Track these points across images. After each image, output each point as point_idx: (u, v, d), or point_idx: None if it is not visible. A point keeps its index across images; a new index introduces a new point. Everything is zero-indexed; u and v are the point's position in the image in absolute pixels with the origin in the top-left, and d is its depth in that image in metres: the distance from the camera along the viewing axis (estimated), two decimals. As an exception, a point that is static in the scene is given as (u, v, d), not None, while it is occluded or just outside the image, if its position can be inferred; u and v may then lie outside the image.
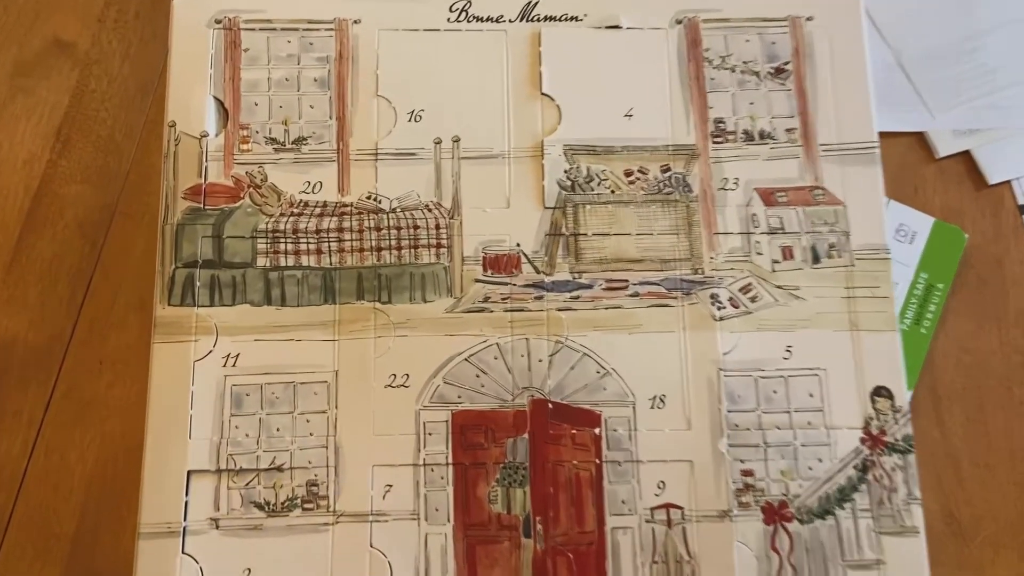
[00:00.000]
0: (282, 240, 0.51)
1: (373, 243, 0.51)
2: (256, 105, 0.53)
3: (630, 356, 0.49)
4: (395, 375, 0.49)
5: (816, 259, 0.52)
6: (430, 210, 0.52)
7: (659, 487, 0.49)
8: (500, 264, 0.51)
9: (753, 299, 0.53)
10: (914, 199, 0.58)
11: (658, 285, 0.52)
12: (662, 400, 0.50)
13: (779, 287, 0.52)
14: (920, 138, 0.60)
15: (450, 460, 0.49)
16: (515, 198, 0.51)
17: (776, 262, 0.52)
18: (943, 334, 0.56)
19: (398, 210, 0.52)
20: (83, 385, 0.55)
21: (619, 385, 0.49)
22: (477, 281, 0.50)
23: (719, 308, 0.51)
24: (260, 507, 0.48)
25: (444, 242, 0.51)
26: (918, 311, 0.56)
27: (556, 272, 0.51)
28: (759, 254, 0.52)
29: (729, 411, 0.49)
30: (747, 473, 0.50)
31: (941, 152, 0.60)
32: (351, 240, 0.51)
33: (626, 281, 0.52)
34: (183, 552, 0.46)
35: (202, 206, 0.51)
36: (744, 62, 0.56)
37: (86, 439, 0.54)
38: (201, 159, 0.52)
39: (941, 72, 0.62)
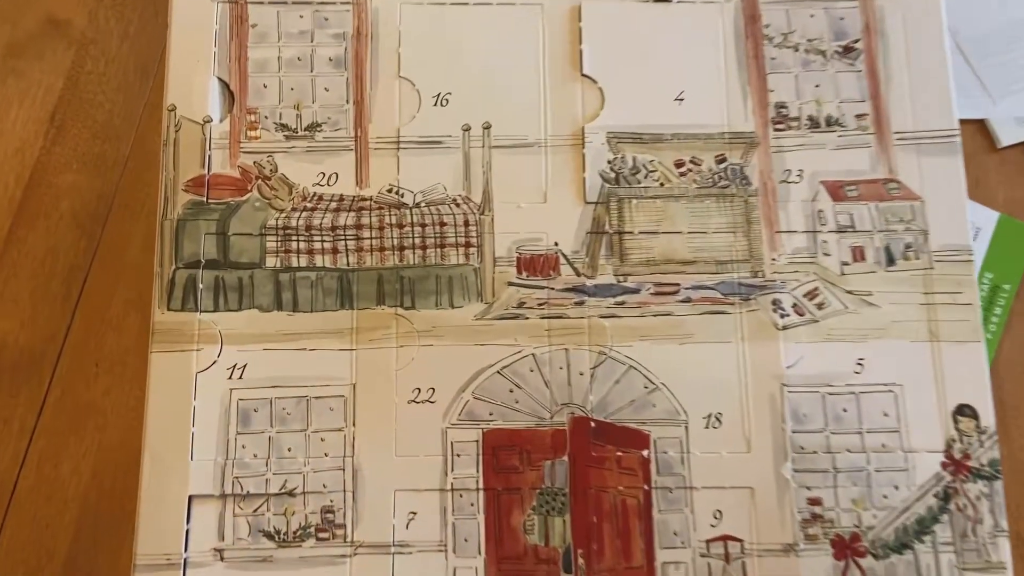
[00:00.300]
0: (294, 238, 0.47)
1: (395, 242, 0.47)
2: (265, 87, 0.49)
3: (682, 369, 0.46)
4: (419, 389, 0.45)
5: (891, 261, 0.48)
6: (458, 205, 0.48)
7: (715, 517, 0.45)
8: (536, 266, 0.47)
9: (820, 306, 0.48)
10: (975, 192, 0.54)
11: (713, 290, 0.48)
12: (718, 419, 0.45)
13: (849, 292, 0.47)
14: (980, 126, 0.57)
15: (481, 485, 0.45)
16: (553, 192, 0.48)
17: (846, 264, 0.48)
18: (1009, 339, 0.52)
19: (422, 205, 0.48)
20: (78, 390, 0.52)
21: (669, 402, 0.46)
22: (510, 284, 0.47)
23: (782, 316, 0.47)
24: (270, 536, 0.44)
25: (473, 241, 0.47)
26: (983, 315, 0.51)
27: (599, 275, 0.47)
28: (826, 255, 0.48)
29: (794, 432, 0.45)
30: (814, 502, 0.45)
31: (1003, 141, 0.56)
32: (370, 238, 0.47)
33: (677, 285, 0.47)
34: (184, 586, 0.44)
35: (205, 200, 0.48)
36: (808, 40, 0.51)
37: (81, 449, 0.51)
38: (204, 147, 0.48)
39: (1001, 55, 0.58)
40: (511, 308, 0.47)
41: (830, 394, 0.46)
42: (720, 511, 0.45)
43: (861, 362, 0.46)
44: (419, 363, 0.46)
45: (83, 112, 0.57)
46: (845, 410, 0.46)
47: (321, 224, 0.48)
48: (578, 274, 0.47)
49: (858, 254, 0.48)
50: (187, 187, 0.48)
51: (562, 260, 0.47)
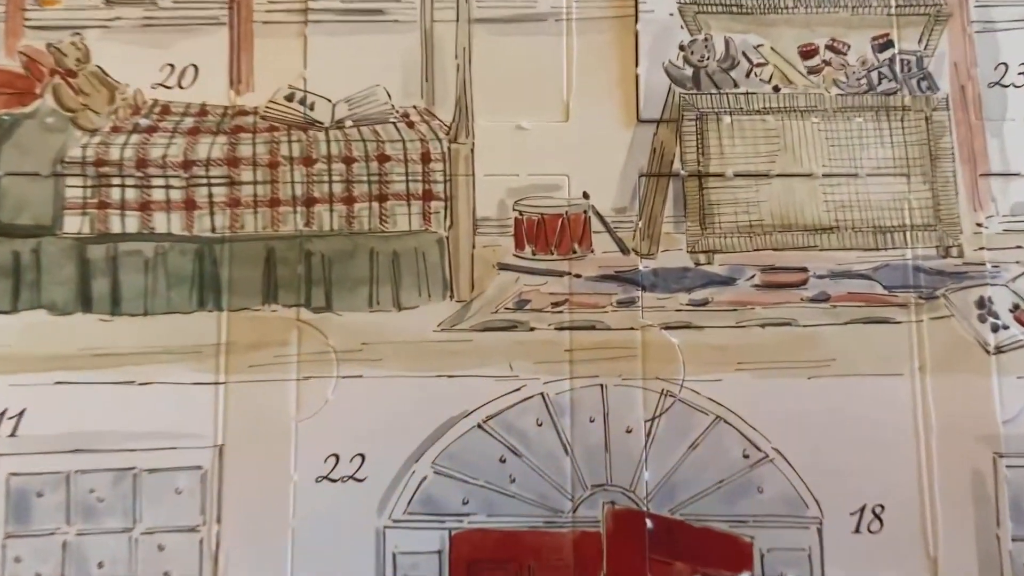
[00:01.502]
0: (116, 182, 0.30)
1: (298, 191, 0.31)
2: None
3: (812, 425, 0.30)
4: (337, 456, 0.30)
5: None
6: (411, 125, 0.31)
7: None
8: (550, 235, 0.30)
9: None
10: None
11: (870, 280, 0.30)
12: (877, 517, 0.29)
13: None
14: None
15: None
16: (581, 102, 0.32)
17: None
18: None
19: (348, 124, 0.30)
20: None
21: (789, 484, 0.29)
22: (503, 269, 0.30)
23: (995, 328, 0.30)
24: None
25: (438, 190, 0.30)
26: None
27: (662, 252, 0.31)
28: None
29: (1015, 539, 0.28)
30: None
31: None
32: (254, 183, 0.31)
33: (804, 271, 0.30)
34: None
35: None
36: None
37: None
38: None
39: None
40: (504, 311, 0.31)
41: None
42: None
43: None
44: (338, 409, 0.30)
45: None
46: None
47: (166, 157, 0.32)
48: (625, 250, 0.31)
49: None
50: None
51: (596, 225, 0.31)
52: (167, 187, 0.31)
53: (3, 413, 0.30)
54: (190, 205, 0.31)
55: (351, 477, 0.30)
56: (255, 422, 0.30)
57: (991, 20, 0.33)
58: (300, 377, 0.31)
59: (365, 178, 0.31)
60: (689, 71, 0.32)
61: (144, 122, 0.32)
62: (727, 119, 0.32)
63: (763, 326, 0.31)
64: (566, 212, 0.32)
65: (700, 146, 0.31)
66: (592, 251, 0.31)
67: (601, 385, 0.30)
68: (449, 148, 0.31)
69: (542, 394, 0.31)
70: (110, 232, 0.31)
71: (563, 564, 0.30)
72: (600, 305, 0.31)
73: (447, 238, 0.31)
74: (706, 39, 0.32)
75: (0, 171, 0.32)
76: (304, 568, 0.30)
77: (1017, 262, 0.31)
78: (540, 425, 0.31)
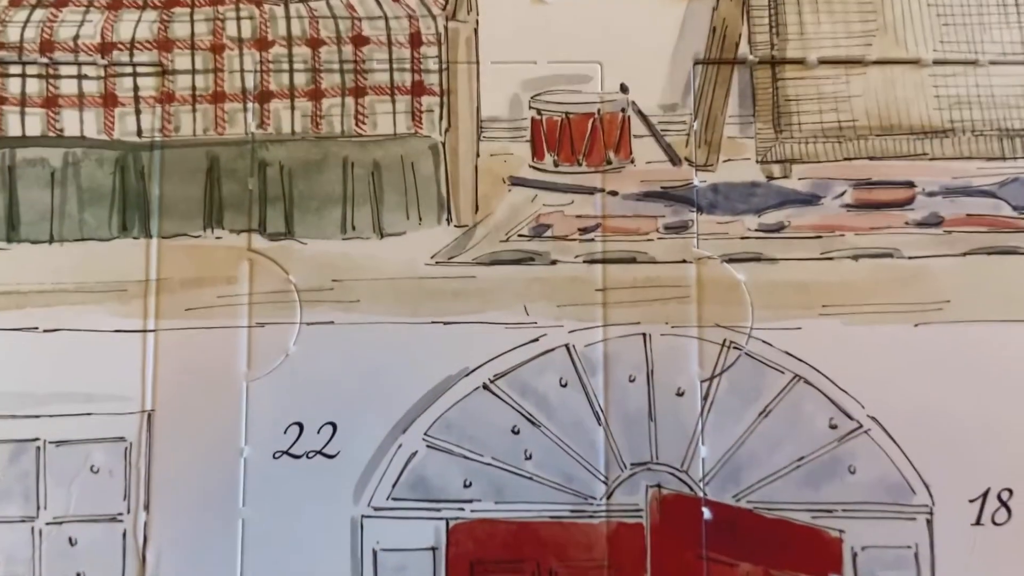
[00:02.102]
0: (15, 71, 0.25)
1: (249, 82, 0.25)
2: None
3: (920, 387, 0.24)
4: (300, 426, 0.24)
5: None
6: None
7: None
8: (577, 139, 0.25)
9: None
10: None
11: (994, 197, 0.25)
12: (1004, 504, 0.23)
13: None
14: None
15: None
16: None
17: None
18: None
19: None
20: None
21: (890, 463, 0.24)
22: (516, 184, 0.25)
23: None
24: None
25: (432, 81, 0.24)
26: None
27: (724, 162, 0.25)
28: None
29: None
30: None
31: None
32: (193, 72, 0.25)
33: (910, 186, 0.24)
34: None
35: None
36: None
37: None
38: None
39: None
40: (518, 238, 0.25)
41: None
42: None
43: None
44: (302, 364, 0.25)
45: None
46: None
47: (78, 39, 0.26)
48: (675, 160, 0.25)
49: None
50: None
51: (638, 127, 0.25)
52: (80, 77, 0.26)
53: None
54: (110, 101, 0.26)
55: (319, 452, 0.25)
56: (194, 381, 0.26)
57: None
58: (252, 323, 0.26)
59: (336, 66, 0.26)
60: None
61: None
62: None
63: (856, 258, 0.25)
64: (598, 111, 0.26)
65: (774, 24, 0.26)
66: (632, 161, 0.26)
67: (644, 334, 0.26)
68: (446, 27, 0.26)
69: (567, 346, 0.26)
70: (6, 135, 0.25)
71: (594, 564, 0.25)
72: (643, 231, 0.26)
73: (443, 144, 0.26)
74: None
75: None
76: (257, 569, 0.25)
77: None
78: (564, 386, 0.26)
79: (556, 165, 0.26)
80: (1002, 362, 0.26)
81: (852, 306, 0.25)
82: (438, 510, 0.25)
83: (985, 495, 0.25)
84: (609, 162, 0.27)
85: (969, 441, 0.25)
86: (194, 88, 0.26)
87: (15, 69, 0.26)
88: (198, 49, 0.26)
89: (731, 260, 0.25)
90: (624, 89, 0.26)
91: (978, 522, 0.25)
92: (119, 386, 0.25)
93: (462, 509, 0.25)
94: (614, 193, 0.26)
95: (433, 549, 0.25)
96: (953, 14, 0.26)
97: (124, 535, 0.25)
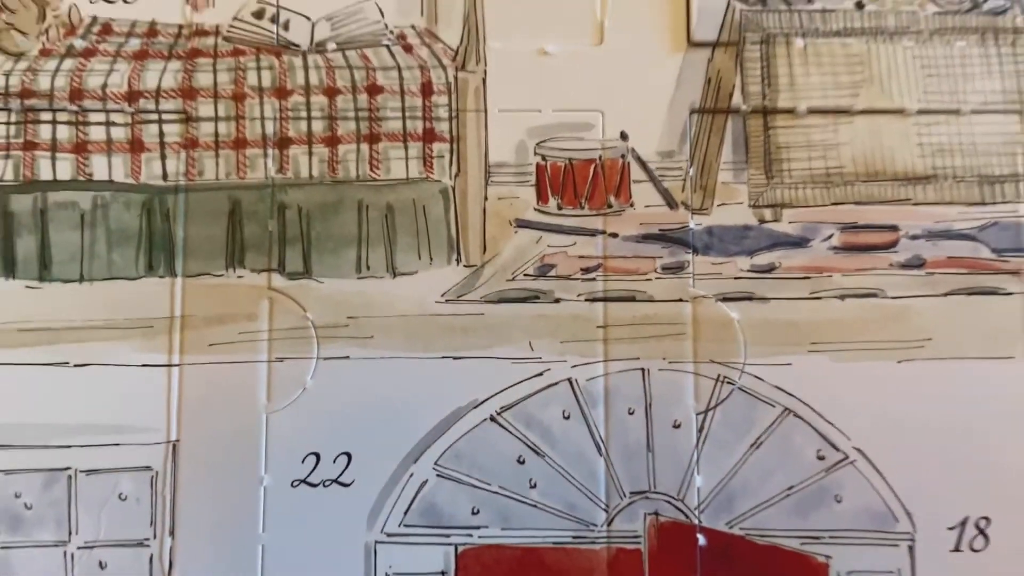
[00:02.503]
0: (46, 117, 0.26)
1: (269, 128, 0.26)
2: None
3: (903, 420, 0.25)
4: (317, 456, 0.25)
5: None
6: (409, 49, 0.27)
7: None
8: (580, 184, 0.26)
9: None
10: None
11: (975, 241, 0.26)
12: (981, 532, 0.24)
13: None
14: None
15: None
16: (618, 22, 0.27)
17: None
18: None
19: (331, 47, 0.26)
20: None
21: (874, 492, 0.25)
22: (522, 227, 0.26)
23: None
24: None
25: (443, 129, 0.25)
26: None
27: (718, 206, 0.26)
28: None
29: None
30: None
31: None
32: (216, 120, 0.26)
33: (894, 230, 0.26)
34: None
35: None
36: None
37: None
38: None
39: None
40: (524, 278, 0.26)
41: None
42: None
43: None
44: (319, 397, 0.26)
45: None
46: None
47: (106, 87, 0.27)
48: (672, 204, 0.27)
49: None
50: None
51: (637, 173, 0.27)
52: (108, 124, 0.27)
53: (-92, 400, 0.29)
54: (137, 147, 0.27)
55: (335, 481, 0.26)
56: (217, 413, 0.27)
57: None
58: (272, 358, 0.27)
59: (352, 114, 0.27)
60: None
61: (81, 44, 0.28)
62: (800, 42, 0.28)
63: (843, 298, 0.26)
64: (600, 157, 0.27)
65: (766, 76, 0.27)
66: (632, 205, 0.27)
67: (642, 369, 0.27)
68: (456, 77, 0.27)
69: (570, 380, 0.27)
70: (38, 180, 0.27)
71: None
72: (641, 271, 0.27)
73: (453, 188, 0.27)
74: None
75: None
76: None
77: None
78: (567, 418, 0.27)
79: (560, 208, 0.28)
80: (980, 397, 0.27)
81: (839, 343, 0.27)
82: (447, 536, 0.26)
83: (964, 523, 0.26)
84: (610, 205, 0.28)
85: (949, 472, 0.26)
86: (217, 134, 0.27)
87: (46, 116, 0.27)
88: (220, 97, 0.27)
89: (725, 299, 0.26)
90: (624, 137, 0.27)
91: (957, 548, 0.26)
92: (146, 418, 0.26)
93: (470, 535, 0.26)
94: (615, 235, 0.27)
95: (443, 573, 0.26)
96: (937, 66, 0.28)
97: (151, 560, 0.26)
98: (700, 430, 0.26)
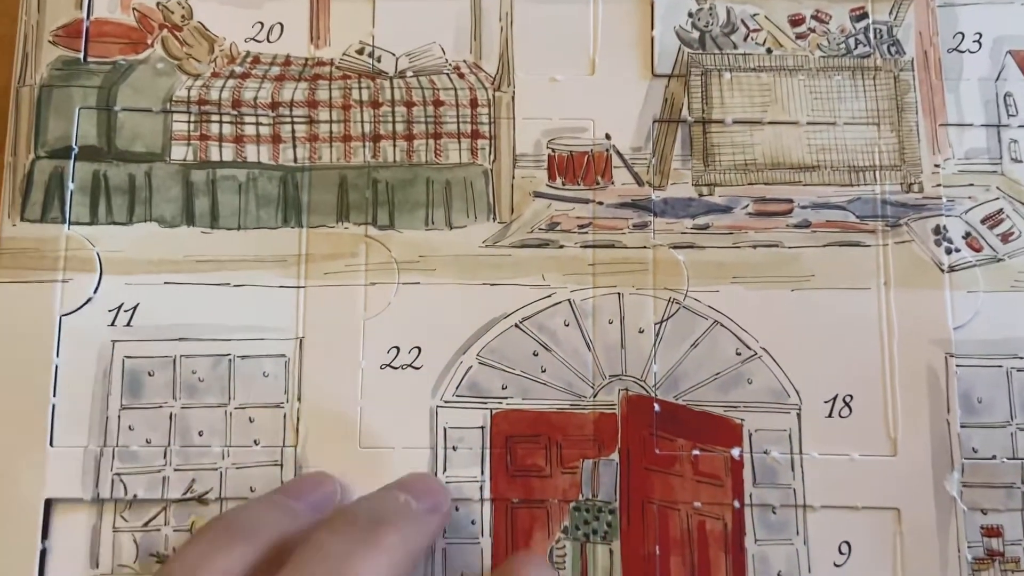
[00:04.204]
0: (215, 118, 0.36)
1: (366, 128, 0.36)
2: None
3: (794, 328, 0.35)
4: (398, 348, 0.35)
5: (1114, 172, 0.36)
6: (462, 76, 0.36)
7: (841, 552, 0.34)
8: (577, 169, 0.36)
9: (1006, 237, 0.36)
10: None
11: (844, 210, 0.36)
12: (847, 404, 0.34)
13: None
14: None
15: (487, 494, 0.34)
16: (604, 59, 0.37)
17: None
18: None
19: (409, 74, 0.36)
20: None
21: (774, 377, 0.35)
22: (538, 196, 0.36)
23: (948, 251, 0.35)
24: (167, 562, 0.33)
25: (485, 130, 0.36)
26: None
27: (671, 185, 0.36)
28: (1017, 160, 0.36)
29: (964, 426, 0.34)
30: (992, 532, 0.34)
31: None
32: (330, 122, 0.37)
33: (790, 202, 0.36)
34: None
35: (82, 57, 0.37)
36: None
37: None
38: None
39: None
40: (538, 231, 0.36)
41: (1019, 370, 0.34)
42: (848, 543, 0.34)
43: (1068, 323, 0.36)
44: (399, 309, 0.35)
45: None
46: (1043, 395, 0.36)
47: (257, 99, 0.37)
48: (640, 182, 0.37)
49: (1067, 160, 0.38)
50: (56, 38, 0.37)
51: (616, 161, 0.37)
52: (257, 124, 0.37)
53: (120, 307, 0.35)
54: (276, 139, 0.37)
55: (409, 365, 0.35)
56: (330, 319, 0.35)
57: (952, -5, 0.40)
58: (367, 283, 0.35)
59: (423, 119, 0.37)
60: (696, 34, 0.37)
61: (238, 70, 0.37)
62: (727, 75, 0.37)
63: (755, 247, 0.35)
64: (591, 150, 0.37)
65: (704, 97, 0.37)
66: (612, 183, 0.36)
67: (618, 293, 0.35)
68: (493, 96, 0.37)
69: (569, 300, 0.35)
70: (210, 160, 0.36)
71: (585, 439, 0.35)
72: (618, 227, 0.36)
73: (491, 170, 0.37)
74: (711, 8, 0.37)
75: (118, 106, 0.36)
76: (369, 439, 0.35)
77: (969, 197, 0.36)
78: (567, 326, 0.35)
79: (563, 185, 0.37)
80: (846, 314, 0.35)
81: (751, 278, 0.35)
82: (485, 403, 0.35)
83: (835, 398, 0.35)
84: (598, 183, 0.37)
85: (825, 363, 0.34)
86: (331, 132, 0.37)
87: (215, 117, 0.37)
88: (333, 107, 0.37)
89: (675, 247, 0.36)
90: (608, 137, 0.37)
91: (830, 415, 0.35)
92: (282, 321, 0.35)
93: (500, 403, 0.35)
94: (600, 203, 0.36)
95: (482, 428, 0.35)
96: (821, 92, 0.38)
97: (284, 416, 0.35)
98: (656, 335, 0.35)
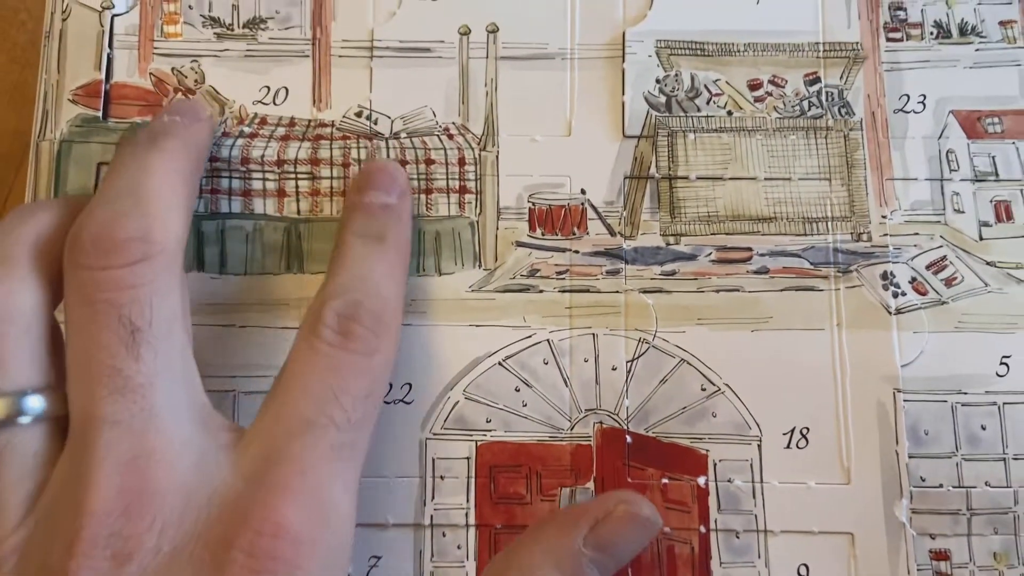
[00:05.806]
0: (225, 174, 0.40)
1: None
2: (192, -31, 0.44)
3: (754, 366, 0.38)
4: (391, 384, 0.38)
5: (1048, 222, 0.40)
6: (451, 137, 0.40)
7: (800, 574, 0.37)
8: (555, 220, 0.40)
9: (949, 281, 0.40)
10: None
11: (799, 257, 0.40)
12: (804, 436, 0.38)
13: (990, 264, 0.39)
14: None
15: (472, 520, 0.37)
16: (580, 122, 0.41)
17: (986, 225, 0.40)
18: None
19: (403, 135, 0.40)
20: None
21: (737, 411, 0.38)
22: (520, 245, 0.40)
23: (895, 295, 0.39)
24: None
25: (471, 185, 0.40)
26: None
27: (640, 235, 0.40)
28: (959, 212, 0.40)
29: (912, 456, 0.37)
30: (940, 556, 0.37)
31: None
32: (331, 178, 0.40)
33: (749, 251, 0.40)
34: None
35: (101, 116, 0.41)
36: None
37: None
38: (102, 43, 0.41)
39: None
40: (520, 277, 0.40)
41: (963, 404, 0.38)
42: (806, 566, 0.37)
43: (1006, 360, 0.38)
44: None
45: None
46: (984, 427, 0.38)
47: (263, 157, 0.41)
48: (612, 233, 0.40)
49: (1003, 212, 0.40)
50: (76, 97, 0.41)
51: (591, 214, 0.40)
52: (264, 179, 0.40)
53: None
54: (281, 193, 0.40)
55: (401, 400, 0.38)
56: None
57: (897, 61, 0.41)
58: None
59: (415, 176, 0.40)
60: (663, 99, 0.41)
61: (247, 130, 0.41)
62: (691, 136, 0.41)
63: (717, 291, 0.39)
64: (568, 204, 0.40)
65: (671, 156, 0.41)
66: (587, 233, 0.40)
67: (593, 334, 0.39)
68: (479, 155, 0.41)
69: (548, 340, 0.39)
70: (219, 212, 0.40)
71: (563, 468, 0.38)
72: (593, 274, 0.40)
73: (477, 222, 0.40)
74: (676, 74, 0.42)
75: (138, 164, 0.44)
76: (363, 469, 0.38)
77: (915, 245, 0.39)
78: (546, 364, 0.39)
79: (543, 235, 0.40)
80: (802, 353, 0.38)
81: (715, 320, 0.39)
82: (471, 435, 0.38)
83: (792, 431, 0.38)
84: (574, 233, 0.40)
85: (783, 398, 0.37)
86: (332, 187, 0.40)
87: (225, 173, 0.41)
88: (334, 164, 0.41)
89: (644, 291, 0.39)
90: (583, 192, 0.40)
91: (788, 446, 0.38)
92: (285, 356, 0.41)
93: (485, 435, 0.38)
94: (577, 251, 0.39)
95: (467, 458, 0.38)
96: (777, 150, 0.41)
97: None
98: (628, 372, 0.39)
